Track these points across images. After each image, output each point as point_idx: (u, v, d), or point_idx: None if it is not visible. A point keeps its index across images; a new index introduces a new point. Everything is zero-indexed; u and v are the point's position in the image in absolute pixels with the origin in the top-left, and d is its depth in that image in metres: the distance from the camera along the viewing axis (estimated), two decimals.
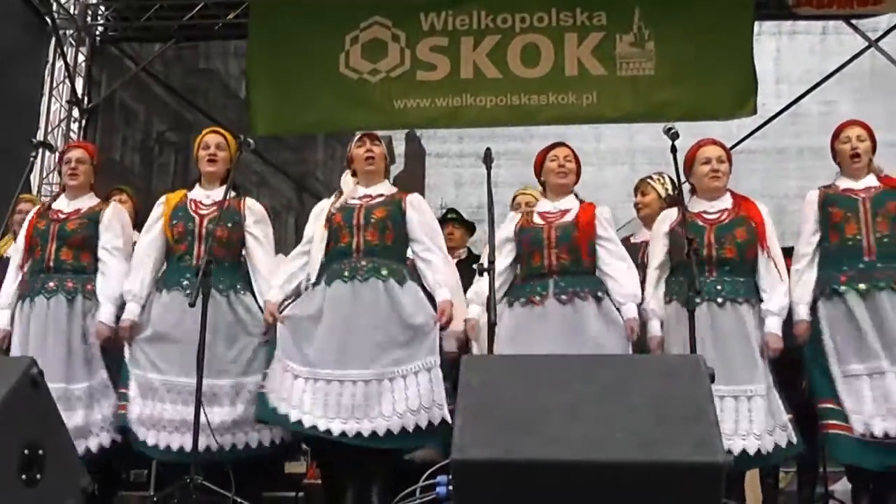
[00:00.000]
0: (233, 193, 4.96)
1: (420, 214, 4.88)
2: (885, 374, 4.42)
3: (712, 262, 4.60)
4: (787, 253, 6.23)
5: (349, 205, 4.88)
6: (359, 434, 4.49)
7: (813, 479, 5.66)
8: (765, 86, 9.16)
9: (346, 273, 4.71)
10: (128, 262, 5.00)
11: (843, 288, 4.57)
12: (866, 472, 4.60)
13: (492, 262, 4.31)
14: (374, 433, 4.49)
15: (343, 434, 4.50)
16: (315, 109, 9.07)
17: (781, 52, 10.50)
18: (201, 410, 4.38)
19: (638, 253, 5.28)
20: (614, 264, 4.71)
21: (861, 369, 4.49)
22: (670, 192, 5.33)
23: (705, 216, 4.69)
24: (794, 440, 4.49)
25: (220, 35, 10.18)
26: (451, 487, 3.00)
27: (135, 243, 5.15)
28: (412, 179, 13.37)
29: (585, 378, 2.99)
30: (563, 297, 4.64)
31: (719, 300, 4.54)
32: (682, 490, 2.78)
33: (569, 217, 4.79)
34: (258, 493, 5.31)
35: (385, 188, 4.97)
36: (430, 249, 4.82)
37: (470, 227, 6.57)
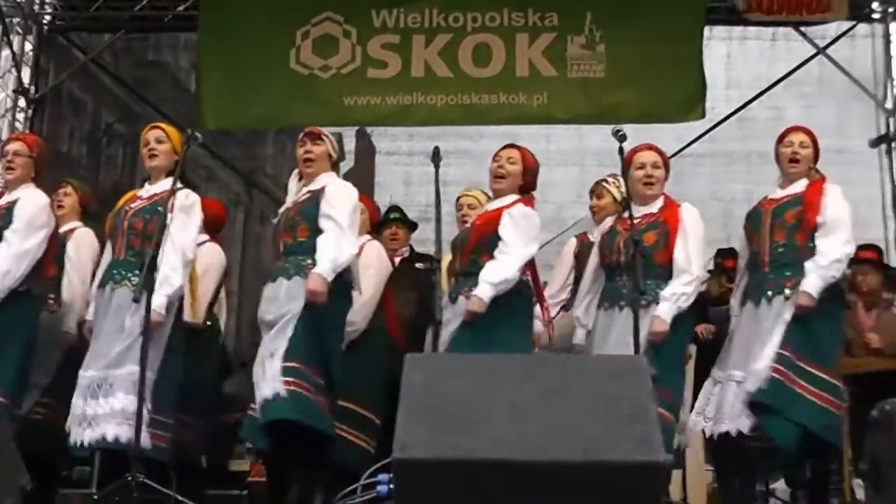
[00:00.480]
0: (179, 185, 4.89)
1: (326, 201, 4.76)
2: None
3: (621, 268, 4.72)
4: (731, 254, 6.33)
5: (287, 207, 4.91)
6: None
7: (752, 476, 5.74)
8: (714, 90, 9.28)
9: (273, 274, 4.80)
10: (23, 244, 4.92)
11: (743, 299, 4.79)
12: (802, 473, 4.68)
13: (438, 260, 4.32)
14: None
15: None
16: (265, 104, 8.99)
17: (731, 57, 10.64)
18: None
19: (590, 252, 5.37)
20: (498, 256, 4.76)
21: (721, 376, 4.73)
22: (624, 195, 5.37)
23: (626, 222, 4.73)
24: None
25: (170, 27, 10.06)
26: (391, 486, 2.98)
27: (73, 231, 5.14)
28: (362, 176, 13.34)
29: (528, 377, 2.98)
30: (453, 296, 4.85)
31: (622, 303, 4.64)
32: (624, 489, 2.79)
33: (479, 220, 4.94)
34: (202, 491, 5.28)
35: (318, 182, 4.89)
36: (327, 230, 4.69)
37: (413, 226, 6.57)
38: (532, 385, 2.96)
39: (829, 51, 9.84)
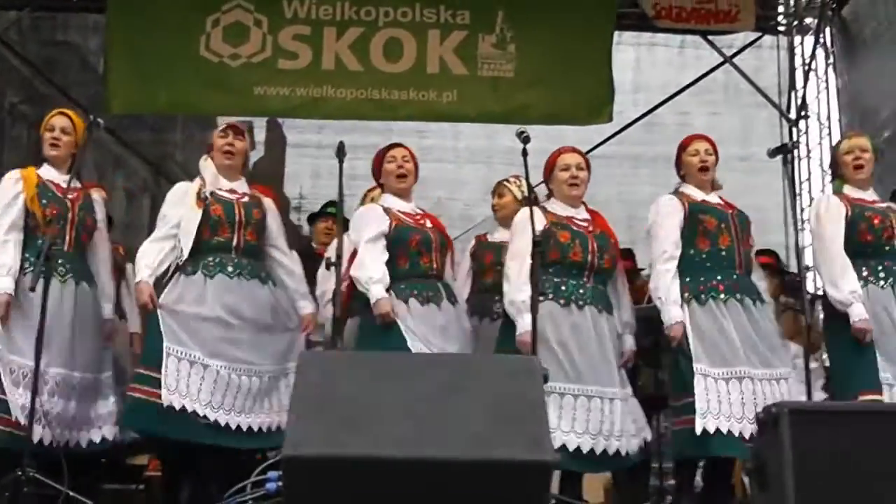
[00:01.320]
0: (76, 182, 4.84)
1: (277, 219, 5.02)
2: (752, 379, 4.57)
3: (592, 269, 4.69)
4: (626, 255, 6.42)
5: (223, 198, 4.83)
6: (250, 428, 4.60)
7: (647, 474, 5.85)
8: (622, 94, 9.40)
9: (230, 269, 4.73)
10: None
11: (723, 296, 4.68)
12: (692, 466, 4.79)
13: (339, 256, 4.29)
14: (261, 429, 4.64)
15: (238, 428, 4.56)
16: (173, 91, 8.82)
17: (640, 62, 10.79)
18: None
19: (489, 251, 5.38)
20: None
21: (725, 373, 4.58)
22: (526, 193, 5.42)
23: (576, 223, 4.76)
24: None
25: (78, 7, 9.87)
26: (280, 483, 2.96)
27: None
28: (272, 167, 13.21)
29: (422, 376, 3.00)
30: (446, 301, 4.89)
31: (581, 303, 4.64)
32: (512, 487, 2.82)
33: (429, 223, 5.02)
34: (97, 486, 5.18)
35: (245, 186, 4.99)
36: (289, 256, 4.99)
37: (348, 222, 6.54)
38: (425, 383, 2.97)
39: (735, 60, 10.08)
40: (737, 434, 4.46)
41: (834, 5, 10.50)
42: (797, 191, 10.34)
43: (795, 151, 10.31)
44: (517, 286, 4.52)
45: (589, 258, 4.69)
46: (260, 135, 14.09)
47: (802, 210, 10.13)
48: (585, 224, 4.79)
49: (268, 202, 5.00)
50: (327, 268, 4.37)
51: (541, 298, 4.39)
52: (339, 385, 2.99)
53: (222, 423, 4.49)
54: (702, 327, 4.61)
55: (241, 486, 3.50)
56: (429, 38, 8.78)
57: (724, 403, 4.49)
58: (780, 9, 10.72)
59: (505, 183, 5.71)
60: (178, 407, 4.43)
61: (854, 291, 4.60)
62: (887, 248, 4.76)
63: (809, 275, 8.12)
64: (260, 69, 8.73)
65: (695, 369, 4.54)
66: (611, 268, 4.80)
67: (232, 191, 4.90)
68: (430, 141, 9.91)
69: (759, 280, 4.94)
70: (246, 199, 4.91)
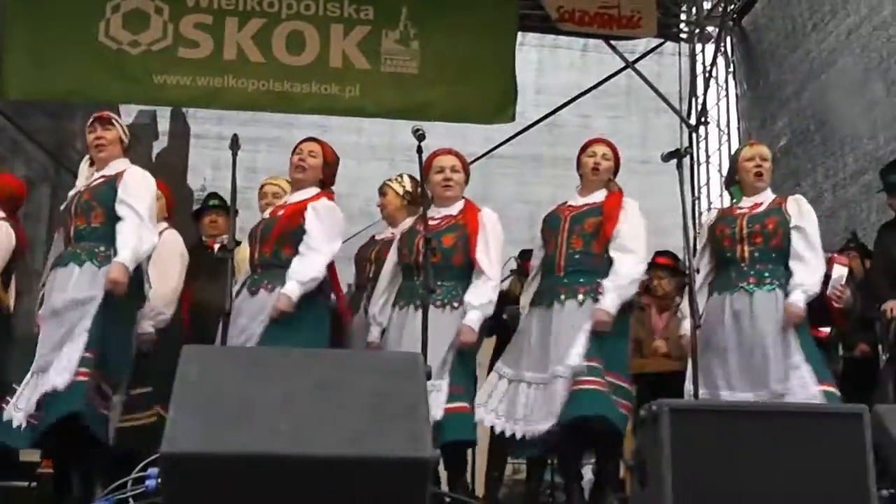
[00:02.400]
0: None
1: (125, 187, 4.64)
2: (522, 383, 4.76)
3: (419, 267, 4.70)
4: (531, 255, 6.47)
5: (78, 190, 4.76)
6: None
7: (542, 470, 5.90)
8: (525, 95, 9.48)
9: (60, 260, 4.61)
10: None
11: (543, 301, 4.81)
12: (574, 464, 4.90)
13: (232, 249, 4.24)
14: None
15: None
16: (71, 77, 8.63)
17: (543, 64, 10.91)
18: None
19: (374, 248, 5.40)
20: (302, 252, 4.73)
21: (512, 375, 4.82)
22: (409, 189, 5.45)
23: (430, 222, 4.76)
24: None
25: None
26: (160, 480, 2.91)
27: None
28: (176, 158, 12.99)
29: (302, 372, 2.97)
30: (253, 288, 4.72)
31: (418, 303, 4.57)
32: (391, 484, 2.81)
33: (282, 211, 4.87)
34: None
35: (113, 168, 4.77)
36: (122, 217, 4.58)
37: (237, 212, 6.46)
38: (305, 379, 2.94)
39: (637, 65, 10.26)
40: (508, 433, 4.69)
41: (735, 15, 10.76)
42: (696, 195, 10.56)
43: (694, 156, 10.55)
44: (374, 298, 4.92)
45: (412, 258, 4.78)
46: (163, 125, 13.87)
47: (700, 214, 10.37)
48: (436, 222, 4.78)
49: (124, 175, 4.69)
50: (219, 261, 4.32)
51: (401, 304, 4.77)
52: (219, 380, 2.94)
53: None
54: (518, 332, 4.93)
55: (121, 483, 3.43)
56: (332, 31, 8.78)
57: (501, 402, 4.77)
58: (682, 16, 10.93)
59: (387, 182, 5.76)
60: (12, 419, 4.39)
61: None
62: (728, 254, 4.88)
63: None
64: (160, 57, 8.60)
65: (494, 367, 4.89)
66: (440, 262, 4.65)
67: (94, 181, 4.76)
68: (332, 136, 9.70)
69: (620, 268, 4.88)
70: (93, 184, 4.72)
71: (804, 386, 4.53)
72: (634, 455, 3.52)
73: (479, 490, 5.35)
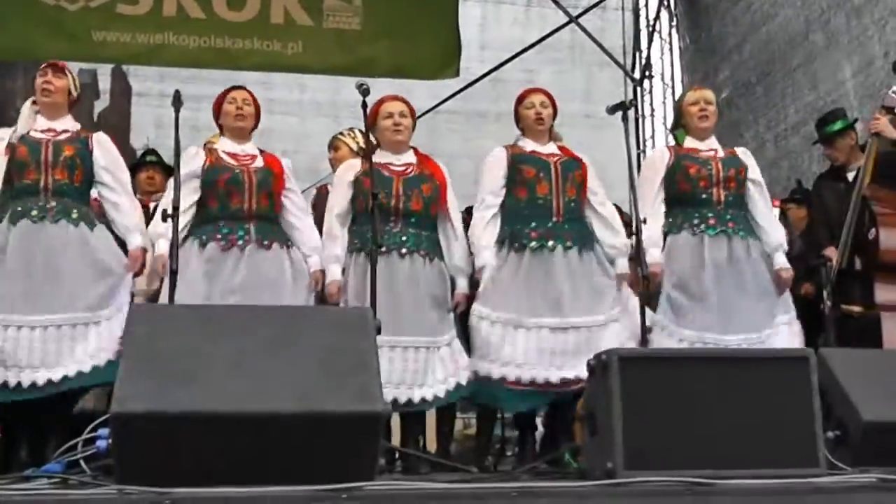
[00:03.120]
0: None
1: (107, 154, 4.67)
2: (558, 330, 4.64)
3: (399, 213, 4.66)
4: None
5: (32, 139, 4.58)
6: (51, 381, 4.32)
7: (491, 424, 5.94)
8: (469, 51, 9.47)
9: (35, 213, 4.45)
10: None
11: (533, 244, 4.71)
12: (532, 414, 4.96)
13: (176, 207, 4.17)
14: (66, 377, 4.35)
15: (35, 384, 4.31)
16: (8, 35, 8.45)
17: (486, 19, 10.90)
18: None
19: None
20: (299, 215, 4.74)
21: (519, 321, 4.65)
22: (362, 145, 5.36)
23: (392, 168, 4.73)
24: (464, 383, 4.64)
25: None
26: (111, 441, 2.88)
27: None
28: (118, 117, 12.77)
29: (252, 329, 2.96)
30: (266, 242, 4.62)
31: (402, 251, 4.59)
32: (343, 439, 2.82)
33: (258, 163, 4.73)
34: None
35: (70, 123, 4.70)
36: (116, 192, 4.65)
37: (170, 170, 6.36)
38: (255, 337, 2.94)
39: (581, 20, 10.27)
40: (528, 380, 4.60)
41: None
42: (641, 148, 10.65)
43: (639, 109, 10.62)
44: (327, 238, 4.72)
45: (392, 202, 4.68)
46: (104, 83, 13.62)
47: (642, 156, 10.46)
48: (401, 168, 4.75)
49: (98, 136, 4.70)
50: (164, 219, 4.24)
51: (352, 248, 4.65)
52: (168, 339, 2.92)
53: (11, 383, 4.32)
54: (505, 275, 4.70)
55: (72, 445, 3.39)
56: None
57: (508, 349, 4.64)
58: None
59: (339, 136, 5.66)
60: None
61: (650, 237, 4.69)
62: (703, 195, 4.90)
63: None
64: (98, 14, 8.46)
65: (475, 311, 4.70)
66: (420, 210, 4.68)
67: (49, 130, 4.64)
68: (276, 93, 9.76)
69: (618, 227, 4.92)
70: (63, 136, 4.64)
71: (796, 338, 4.78)
72: (584, 404, 3.55)
73: (431, 446, 5.35)
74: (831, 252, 5.44)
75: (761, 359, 3.47)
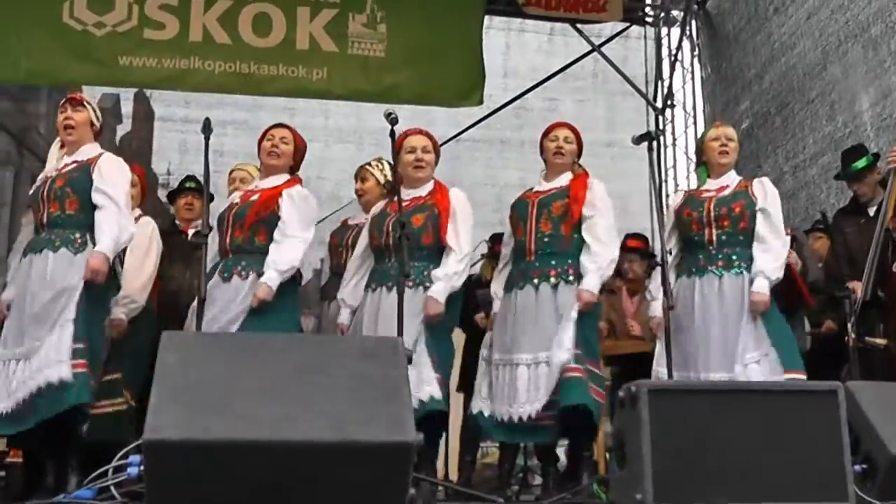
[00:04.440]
0: None
1: (100, 176, 4.57)
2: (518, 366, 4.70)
3: (389, 249, 4.75)
4: (499, 239, 6.49)
5: (49, 175, 4.64)
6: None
7: (514, 454, 5.94)
8: (492, 78, 9.51)
9: (29, 249, 4.52)
10: None
11: (513, 287, 4.82)
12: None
13: (205, 234, 4.22)
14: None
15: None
16: (35, 59, 8.52)
17: (510, 47, 10.94)
18: None
19: (349, 234, 5.37)
20: (276, 237, 4.70)
21: (501, 359, 4.77)
22: (389, 177, 5.38)
23: (404, 202, 4.76)
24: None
25: None
26: (142, 468, 2.90)
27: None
28: (139, 141, 12.91)
29: (283, 357, 2.97)
30: (226, 274, 4.68)
31: (389, 284, 4.63)
32: (374, 468, 2.82)
33: (255, 196, 4.80)
34: None
35: (86, 153, 4.68)
36: (100, 208, 4.51)
37: (210, 197, 6.41)
38: (286, 365, 2.95)
39: (603, 49, 10.32)
40: (505, 419, 4.65)
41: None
42: (663, 177, 10.65)
43: (661, 139, 10.63)
44: (344, 281, 4.90)
45: (383, 240, 4.75)
46: (126, 107, 13.74)
47: (667, 196, 10.45)
48: (407, 203, 4.74)
49: (98, 161, 4.61)
50: (194, 247, 4.28)
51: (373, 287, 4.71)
52: (200, 367, 2.93)
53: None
54: (498, 317, 4.88)
55: (102, 472, 3.40)
56: (298, 14, 8.75)
57: (487, 388, 4.79)
58: (648, 0, 11.00)
59: (367, 167, 5.65)
60: None
61: (655, 289, 4.80)
62: (696, 238, 4.90)
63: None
64: (125, 39, 8.52)
65: (480, 355, 4.88)
66: (412, 244, 4.60)
67: (64, 166, 4.66)
68: (300, 119, 9.80)
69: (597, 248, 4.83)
70: (65, 169, 4.62)
71: (772, 373, 4.61)
72: (613, 436, 3.55)
73: (453, 474, 5.37)
74: (855, 285, 5.44)
75: (790, 392, 3.46)
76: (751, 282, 4.71)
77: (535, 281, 4.72)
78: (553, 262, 4.74)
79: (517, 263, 4.87)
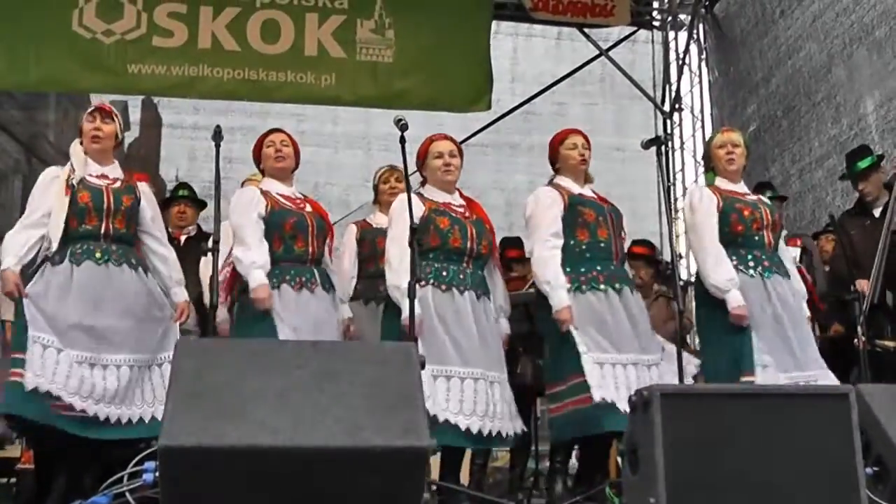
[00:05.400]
0: None
1: (152, 205, 4.85)
2: (633, 365, 4.70)
3: (471, 255, 4.72)
4: (514, 244, 6.49)
5: (92, 184, 4.65)
6: (119, 420, 4.45)
7: (525, 458, 5.96)
8: (500, 83, 9.53)
9: (98, 255, 4.56)
10: None
11: (602, 286, 4.75)
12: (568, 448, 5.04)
13: (217, 241, 4.24)
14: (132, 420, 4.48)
15: (107, 419, 4.39)
16: (44, 67, 8.54)
17: (518, 52, 10.94)
18: None
19: (376, 236, 5.36)
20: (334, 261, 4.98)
21: (609, 359, 4.69)
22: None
23: (455, 209, 4.78)
24: (523, 428, 4.71)
25: None
26: (157, 474, 2.92)
27: None
28: (147, 149, 12.89)
29: (298, 364, 2.98)
30: (319, 287, 4.81)
31: (474, 290, 4.68)
32: (389, 473, 2.84)
33: (309, 207, 4.90)
34: None
35: (118, 170, 4.81)
36: (163, 244, 4.83)
37: (201, 205, 6.43)
38: (301, 371, 2.96)
39: (611, 53, 10.33)
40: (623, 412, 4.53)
41: (706, 3, 10.84)
42: (671, 181, 10.65)
43: (669, 143, 10.64)
44: (398, 272, 4.51)
45: (468, 244, 4.72)
46: (134, 115, 13.74)
47: (676, 200, 10.46)
48: (462, 210, 4.83)
49: (143, 187, 4.83)
50: (204, 254, 4.31)
51: (422, 283, 4.47)
52: (215, 373, 2.95)
53: (90, 414, 4.37)
54: (584, 316, 4.69)
55: (118, 478, 3.43)
56: (307, 20, 8.77)
57: (612, 384, 4.62)
58: (655, 4, 11.02)
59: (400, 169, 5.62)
60: (42, 390, 4.28)
61: (731, 279, 4.76)
62: (756, 238, 4.92)
63: (682, 262, 8.41)
64: (134, 46, 8.55)
65: (581, 353, 4.63)
66: (487, 253, 4.83)
67: (103, 176, 4.72)
68: (308, 125, 9.84)
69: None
70: (117, 184, 4.73)
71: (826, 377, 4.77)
72: (626, 441, 3.56)
73: (464, 478, 5.36)
74: (862, 284, 5.44)
75: (801, 395, 3.47)
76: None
77: (627, 287, 4.83)
78: (630, 274, 4.98)
79: (596, 262, 4.82)
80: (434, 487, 4.55)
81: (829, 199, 8.54)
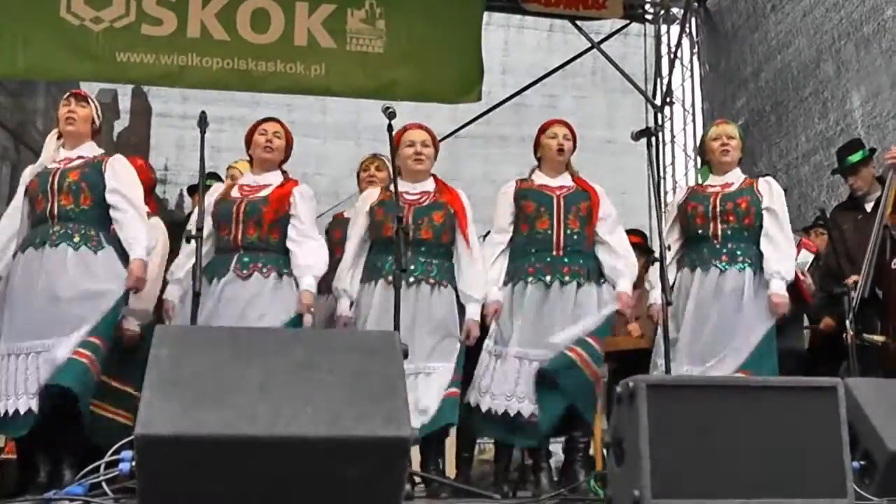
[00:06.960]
0: None
1: (116, 175, 4.67)
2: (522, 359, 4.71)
3: (407, 243, 4.67)
4: None
5: (47, 169, 4.65)
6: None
7: (509, 451, 5.91)
8: (491, 75, 9.52)
9: (38, 240, 4.51)
10: None
11: (530, 278, 4.75)
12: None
13: (199, 228, 4.19)
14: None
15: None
16: (32, 54, 8.52)
17: (509, 44, 10.91)
18: None
19: (339, 228, 5.34)
20: (297, 239, 4.73)
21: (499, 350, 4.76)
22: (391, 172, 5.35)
23: (406, 196, 4.72)
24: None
25: None
26: (134, 463, 2.87)
27: None
28: (137, 137, 12.86)
29: (278, 352, 2.94)
30: (244, 271, 4.63)
31: (410, 280, 4.59)
32: (370, 463, 2.80)
33: (264, 192, 4.77)
34: None
35: (88, 150, 4.76)
36: (120, 210, 4.63)
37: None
38: (282, 360, 2.92)
39: (603, 46, 10.32)
40: (500, 412, 4.68)
41: None
42: (661, 174, 10.63)
43: (659, 135, 10.61)
44: (340, 272, 4.75)
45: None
46: (124, 103, 13.69)
47: (665, 193, 10.44)
48: (416, 197, 4.77)
49: (113, 161, 4.71)
50: (187, 241, 4.26)
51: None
52: (193, 361, 2.90)
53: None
54: (514, 307, 4.77)
55: (94, 467, 3.39)
56: (296, 10, 8.77)
57: (494, 381, 4.72)
58: None
59: (383, 157, 5.53)
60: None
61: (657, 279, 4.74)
62: (699, 231, 4.92)
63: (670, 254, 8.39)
64: (123, 34, 8.52)
65: (483, 346, 4.77)
66: (431, 239, 4.71)
67: (65, 159, 4.69)
68: (298, 115, 9.78)
69: (624, 252, 4.94)
70: (75, 163, 4.66)
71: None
72: (611, 432, 3.52)
73: (450, 470, 5.33)
74: (854, 279, 5.44)
75: (789, 388, 3.43)
76: (754, 274, 4.78)
77: (566, 278, 4.73)
78: (581, 262, 4.79)
79: (534, 255, 4.80)
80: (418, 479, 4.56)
81: (815, 195, 8.55)
